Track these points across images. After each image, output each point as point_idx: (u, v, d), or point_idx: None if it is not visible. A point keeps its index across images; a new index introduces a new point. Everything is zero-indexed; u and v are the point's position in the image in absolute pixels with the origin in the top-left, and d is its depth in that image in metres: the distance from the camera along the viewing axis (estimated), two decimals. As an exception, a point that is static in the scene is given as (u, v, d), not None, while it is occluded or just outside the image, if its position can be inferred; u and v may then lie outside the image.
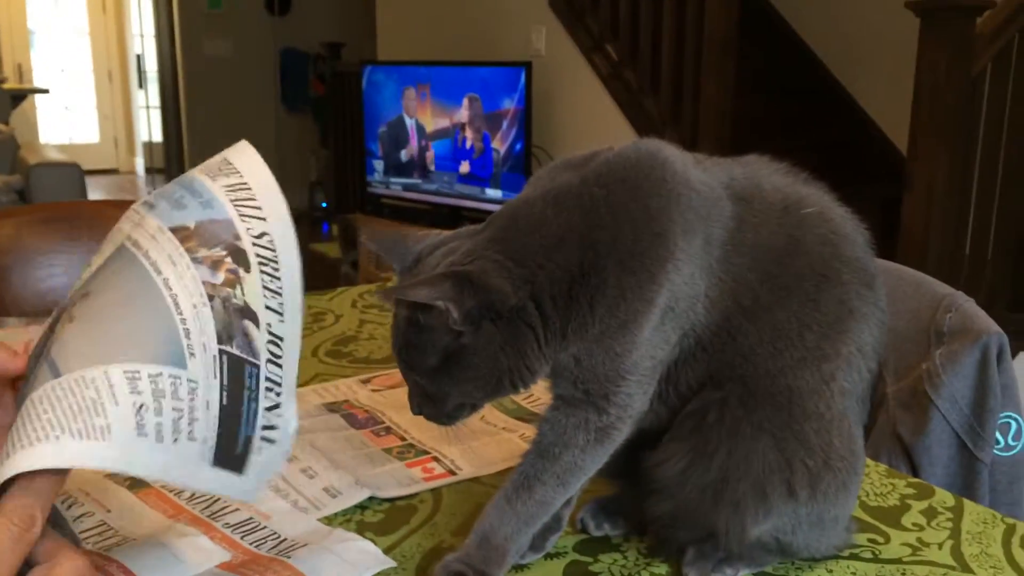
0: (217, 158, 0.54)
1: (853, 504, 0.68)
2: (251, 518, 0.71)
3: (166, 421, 0.45)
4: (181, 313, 0.47)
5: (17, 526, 0.42)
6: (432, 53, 4.62)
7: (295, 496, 0.76)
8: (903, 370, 1.02)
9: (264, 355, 0.51)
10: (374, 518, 0.74)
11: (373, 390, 1.00)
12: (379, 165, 4.59)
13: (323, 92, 6.59)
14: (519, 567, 0.67)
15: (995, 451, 0.99)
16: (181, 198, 0.51)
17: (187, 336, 0.47)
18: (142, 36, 7.75)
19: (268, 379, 0.51)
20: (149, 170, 8.14)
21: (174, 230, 0.49)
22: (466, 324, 0.59)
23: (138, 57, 8.11)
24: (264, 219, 0.52)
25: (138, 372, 0.44)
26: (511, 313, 0.60)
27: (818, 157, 3.64)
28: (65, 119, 9.00)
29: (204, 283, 0.49)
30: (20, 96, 6.14)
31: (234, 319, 0.49)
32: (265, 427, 0.51)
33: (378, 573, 0.65)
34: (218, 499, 0.74)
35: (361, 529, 0.71)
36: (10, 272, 1.24)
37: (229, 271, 0.50)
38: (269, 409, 0.51)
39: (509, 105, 3.93)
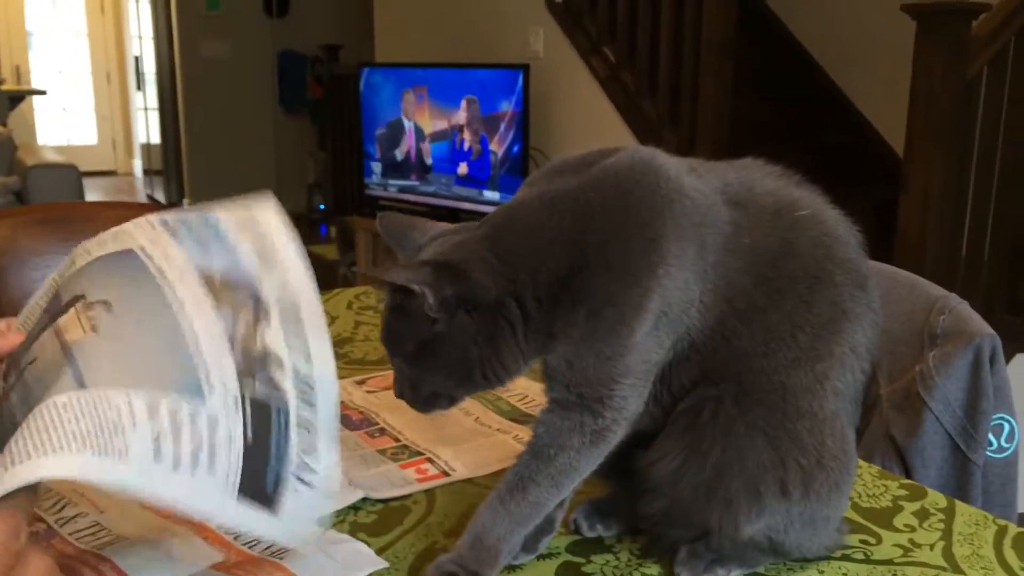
0: (241, 207, 0.55)
1: (845, 504, 0.68)
2: (244, 519, 0.71)
3: (184, 451, 0.45)
4: (201, 353, 0.49)
5: (3, 539, 0.42)
6: (430, 55, 4.62)
7: (289, 497, 0.76)
8: (897, 372, 1.03)
9: (293, 398, 0.51)
10: (367, 519, 0.74)
11: (368, 391, 1.00)
12: (377, 167, 4.59)
13: (321, 94, 6.59)
14: (512, 567, 0.67)
15: (988, 453, 0.99)
16: (206, 239, 0.53)
17: (207, 374, 0.48)
18: (140, 38, 7.74)
19: (300, 422, 0.51)
20: (147, 172, 8.13)
21: (200, 271, 0.51)
22: (441, 312, 0.61)
23: (136, 59, 8.10)
24: (284, 273, 0.53)
25: (159, 402, 0.45)
26: (489, 308, 0.61)
27: (815, 159, 3.64)
28: (63, 121, 9.00)
29: (226, 330, 0.50)
30: (18, 97, 6.15)
31: (256, 364, 0.50)
32: (301, 469, 0.51)
33: (371, 574, 0.65)
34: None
35: (354, 530, 0.72)
36: (6, 273, 1.24)
37: (250, 321, 0.51)
38: (305, 452, 0.52)
39: (507, 107, 3.93)
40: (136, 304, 0.50)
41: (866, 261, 0.67)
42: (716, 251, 0.62)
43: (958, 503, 0.79)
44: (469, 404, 0.97)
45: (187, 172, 6.96)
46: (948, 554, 0.71)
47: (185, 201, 6.96)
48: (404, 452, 0.86)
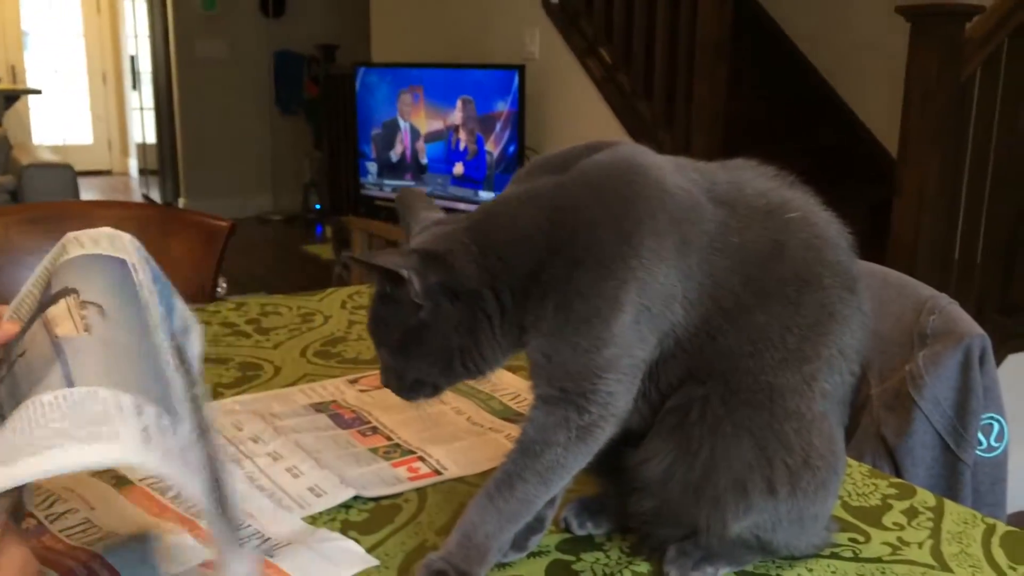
0: (191, 316, 0.60)
1: (833, 503, 0.69)
2: (235, 517, 0.72)
3: (171, 446, 0.45)
4: (172, 386, 0.50)
5: None
6: (426, 55, 4.62)
7: (280, 495, 0.76)
8: (887, 372, 1.03)
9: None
10: (358, 517, 0.74)
11: (361, 390, 1.00)
12: (372, 167, 4.59)
13: (317, 94, 6.58)
14: (501, 565, 0.67)
15: (977, 452, 1.00)
16: (169, 312, 0.57)
17: (178, 403, 0.49)
18: (136, 37, 7.73)
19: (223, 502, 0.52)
20: (143, 171, 8.12)
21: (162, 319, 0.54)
22: (426, 299, 0.63)
23: (132, 58, 8.09)
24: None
25: (145, 405, 0.46)
26: (470, 297, 0.63)
27: (809, 161, 3.64)
28: (59, 120, 8.98)
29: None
30: (13, 97, 6.13)
31: (204, 428, 0.52)
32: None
33: (361, 572, 0.65)
34: (203, 498, 0.74)
35: (345, 528, 0.72)
36: (-1, 271, 1.24)
37: (197, 396, 0.54)
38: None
39: (503, 108, 3.93)
40: (128, 316, 0.51)
41: (856, 263, 0.67)
42: (701, 249, 0.62)
43: (947, 502, 0.80)
44: (461, 403, 0.98)
45: (183, 172, 6.95)
46: (936, 552, 0.71)
47: (181, 201, 6.95)
48: (396, 451, 0.86)
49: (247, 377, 1.04)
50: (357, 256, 0.65)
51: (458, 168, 4.21)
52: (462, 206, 4.11)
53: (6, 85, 7.73)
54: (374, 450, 0.86)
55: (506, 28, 4.17)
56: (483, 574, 0.64)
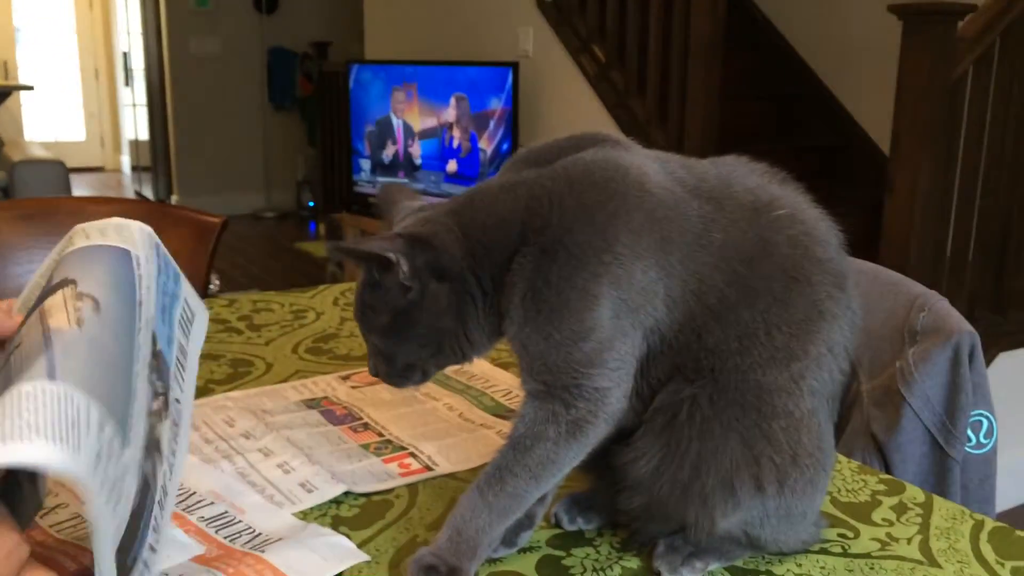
0: (195, 313, 0.60)
1: (821, 500, 0.69)
2: (226, 512, 0.72)
3: (109, 475, 0.45)
4: (134, 405, 0.49)
5: None
6: (420, 53, 4.62)
7: (271, 491, 0.76)
8: (877, 369, 1.03)
9: (157, 492, 0.52)
10: (349, 513, 0.74)
11: (352, 387, 1.00)
12: (366, 164, 4.59)
13: (310, 91, 6.58)
14: (492, 561, 0.67)
15: (967, 449, 1.00)
16: (171, 305, 0.57)
17: (132, 428, 0.48)
18: (129, 34, 7.70)
19: (155, 524, 0.52)
20: (135, 168, 8.10)
21: (152, 330, 0.53)
22: (414, 280, 0.64)
23: (125, 55, 8.06)
24: (184, 394, 0.57)
25: (106, 423, 0.45)
26: (456, 278, 0.64)
27: (804, 160, 3.66)
28: (51, 117, 8.95)
29: (148, 401, 0.52)
30: (5, 93, 6.10)
31: (152, 445, 0.52)
32: (147, 561, 0.51)
33: (352, 567, 0.66)
34: (194, 492, 0.74)
35: (336, 524, 0.72)
36: (-11, 267, 1.24)
37: (160, 407, 0.54)
38: (150, 552, 0.52)
39: (496, 105, 3.93)
40: (120, 313, 0.50)
41: (846, 261, 0.67)
42: (683, 246, 0.62)
43: (936, 498, 0.80)
44: (453, 400, 0.98)
45: (175, 169, 6.93)
46: (925, 548, 0.71)
47: (173, 198, 6.93)
48: (387, 447, 0.86)
49: (239, 373, 1.04)
50: (342, 245, 0.65)
51: (452, 166, 4.21)
52: (455, 203, 4.11)
53: (-2, 81, 7.70)
54: (365, 446, 0.86)
55: (500, 25, 4.17)
56: (474, 569, 0.64)
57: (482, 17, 4.31)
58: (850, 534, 0.73)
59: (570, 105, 3.83)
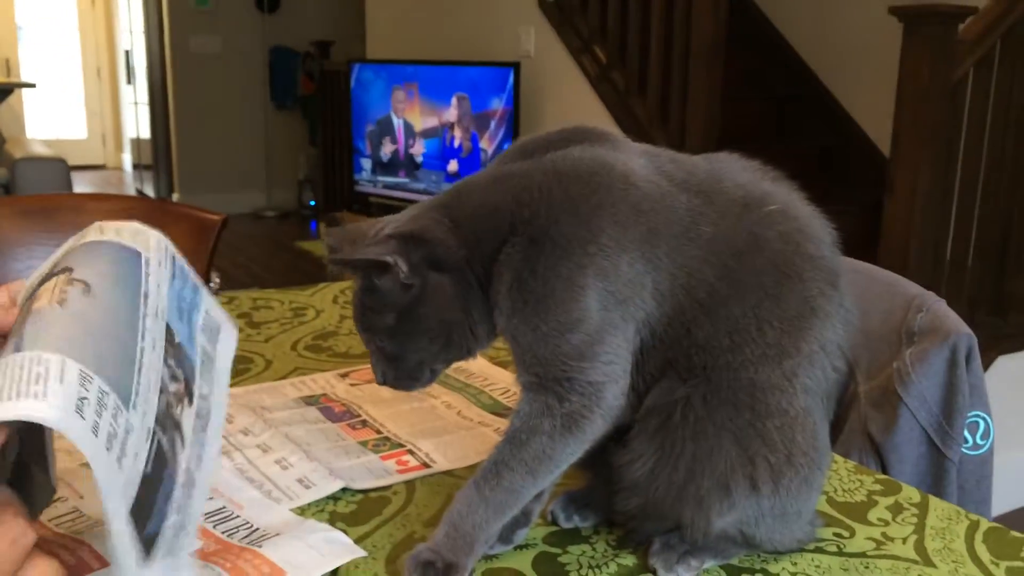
0: (221, 313, 0.60)
1: (816, 499, 0.69)
2: (224, 507, 0.72)
3: (103, 425, 0.44)
4: (140, 377, 0.49)
5: None
6: (421, 52, 4.62)
7: (269, 486, 0.76)
8: (875, 369, 1.04)
9: (181, 473, 0.52)
10: (346, 509, 0.74)
11: (351, 384, 1.01)
12: (367, 164, 4.59)
13: (312, 90, 6.58)
14: (488, 558, 0.68)
15: (963, 450, 1.00)
16: (186, 306, 0.56)
17: (136, 396, 0.48)
18: (131, 32, 7.71)
19: (179, 506, 0.51)
20: (136, 166, 8.11)
21: (168, 323, 0.53)
22: (415, 276, 0.64)
23: (127, 53, 8.07)
24: (211, 388, 0.57)
25: (92, 378, 0.44)
26: (454, 268, 0.64)
27: (805, 161, 3.66)
28: (53, 114, 8.96)
29: (163, 377, 0.51)
30: (7, 90, 6.10)
31: (169, 422, 0.51)
32: (174, 545, 0.51)
33: (349, 563, 0.66)
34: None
35: (333, 519, 0.72)
36: (-10, 264, 1.24)
37: (180, 391, 0.53)
38: (176, 535, 0.51)
39: (498, 105, 3.94)
40: (116, 300, 0.50)
41: (839, 259, 0.67)
42: (670, 238, 0.63)
43: (931, 498, 0.80)
44: (452, 398, 0.98)
45: (176, 167, 6.94)
46: (920, 548, 0.72)
47: (174, 196, 6.94)
48: (385, 444, 0.86)
49: (238, 370, 1.04)
50: (337, 258, 0.65)
51: (452, 165, 4.21)
52: (456, 203, 4.11)
53: (0, 79, 7.70)
54: (363, 443, 0.86)
55: (501, 26, 4.18)
56: (471, 565, 0.64)
57: (484, 17, 4.32)
58: (845, 533, 0.74)
59: (571, 105, 3.84)
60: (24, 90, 7.62)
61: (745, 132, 3.55)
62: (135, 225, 0.55)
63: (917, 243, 2.41)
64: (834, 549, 0.71)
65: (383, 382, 0.69)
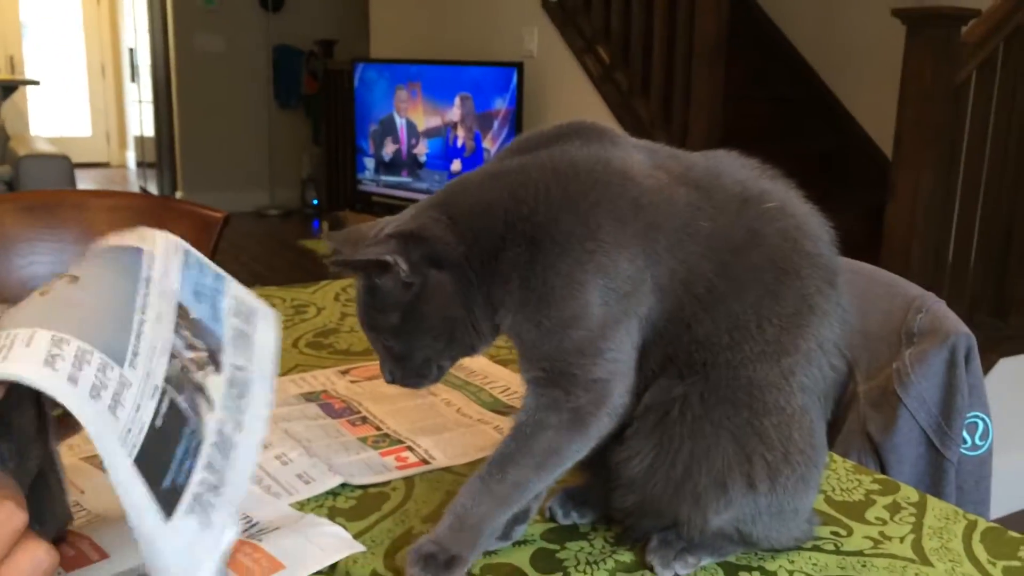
0: (254, 299, 0.61)
1: (813, 497, 0.69)
2: (224, 502, 0.72)
3: (84, 377, 0.44)
4: (139, 341, 0.49)
5: None
6: (424, 52, 4.63)
7: (268, 481, 0.77)
8: (874, 370, 1.04)
9: (211, 434, 0.52)
10: (346, 504, 0.75)
11: (351, 381, 1.01)
12: (370, 163, 4.60)
13: (315, 89, 6.59)
14: (486, 553, 0.68)
15: (962, 450, 1.00)
16: (206, 291, 0.57)
17: (135, 356, 0.49)
18: (135, 30, 7.73)
19: (210, 463, 0.51)
20: (140, 164, 8.12)
21: (182, 303, 0.54)
22: (415, 275, 0.64)
23: (131, 51, 8.08)
24: (250, 362, 0.58)
25: (67, 339, 0.45)
26: (455, 265, 0.64)
27: (807, 162, 3.66)
28: (57, 112, 8.98)
29: (173, 345, 0.52)
30: (11, 88, 6.12)
31: (187, 384, 0.52)
32: (204, 504, 0.50)
33: (347, 557, 0.66)
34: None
35: (332, 515, 0.72)
36: (-7, 259, 1.25)
37: (201, 359, 0.54)
38: (210, 491, 0.51)
39: (501, 105, 3.94)
40: (105, 282, 0.51)
41: (837, 258, 0.67)
42: (669, 232, 0.63)
43: (929, 498, 0.80)
44: (452, 396, 0.98)
45: (180, 165, 6.95)
46: (917, 547, 0.72)
47: (178, 194, 6.95)
48: (385, 440, 0.86)
49: (239, 367, 1.05)
50: (338, 259, 0.65)
51: (455, 165, 4.22)
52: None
53: (4, 76, 7.72)
54: (363, 439, 0.86)
55: (505, 26, 4.18)
56: (473, 558, 0.64)
57: (487, 17, 4.32)
58: (843, 532, 0.74)
59: (574, 105, 3.84)
60: (28, 87, 7.65)
61: (748, 133, 3.54)
62: (141, 230, 0.57)
63: (919, 245, 2.41)
64: (831, 548, 0.71)
65: (391, 380, 0.69)
